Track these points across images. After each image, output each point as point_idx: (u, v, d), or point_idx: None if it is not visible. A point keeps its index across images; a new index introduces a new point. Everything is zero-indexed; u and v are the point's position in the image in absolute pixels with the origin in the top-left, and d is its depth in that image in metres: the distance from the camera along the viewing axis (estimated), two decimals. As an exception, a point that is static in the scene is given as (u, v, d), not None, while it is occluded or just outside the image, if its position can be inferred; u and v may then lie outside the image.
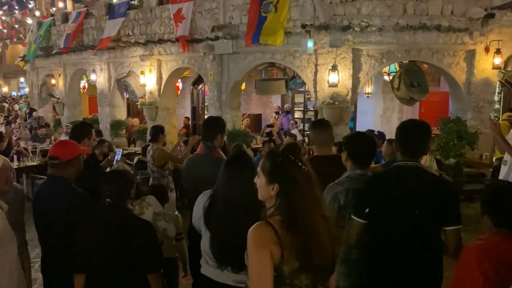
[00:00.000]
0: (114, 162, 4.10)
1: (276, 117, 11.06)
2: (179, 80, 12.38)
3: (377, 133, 6.99)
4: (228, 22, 8.82)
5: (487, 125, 8.40)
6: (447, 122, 8.28)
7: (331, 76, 7.84)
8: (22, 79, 29.45)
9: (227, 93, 9.11)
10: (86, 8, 12.95)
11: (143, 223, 2.62)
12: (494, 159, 6.66)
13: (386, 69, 9.66)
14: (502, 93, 10.17)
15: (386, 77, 10.07)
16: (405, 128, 2.54)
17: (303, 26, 7.69)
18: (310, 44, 7.50)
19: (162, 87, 10.63)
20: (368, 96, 10.72)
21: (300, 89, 12.08)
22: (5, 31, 24.18)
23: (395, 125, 11.75)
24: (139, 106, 11.43)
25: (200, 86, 13.53)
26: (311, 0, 7.80)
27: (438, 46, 7.91)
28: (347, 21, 7.70)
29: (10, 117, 17.67)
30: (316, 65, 8.08)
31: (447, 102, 11.17)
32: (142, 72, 10.60)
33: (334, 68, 7.83)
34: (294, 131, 10.17)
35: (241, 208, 2.29)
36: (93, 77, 12.16)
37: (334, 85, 7.86)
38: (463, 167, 7.34)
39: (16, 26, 22.48)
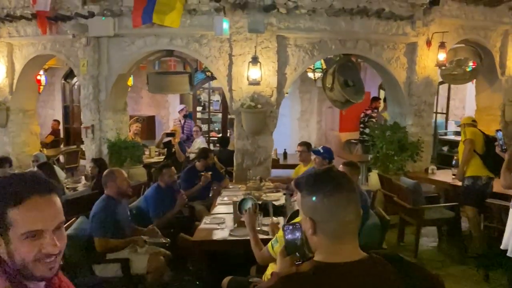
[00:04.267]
0: None
1: (184, 121, 8.64)
2: (41, 73, 9.43)
3: (322, 151, 5.07)
4: (108, -7, 6.40)
5: (428, 132, 7.27)
6: (384, 129, 6.95)
7: (252, 71, 5.93)
8: None
9: (108, 91, 6.66)
10: None
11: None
12: (464, 176, 5.33)
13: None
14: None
15: (310, 74, 8.44)
16: None
17: (217, 0, 5.64)
18: (226, 25, 5.49)
19: (15, 81, 7.73)
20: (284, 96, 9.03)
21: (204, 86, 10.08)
22: None
23: (314, 130, 10.26)
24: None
25: (74, 81, 10.79)
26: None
27: (377, 36, 6.46)
28: (270, -1, 5.84)
29: None
30: (230, 55, 6.10)
31: (368, 104, 10.03)
32: (-16, 60, 7.64)
33: (254, 60, 5.93)
34: (200, 140, 8.04)
35: None
36: None
37: (255, 83, 5.97)
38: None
39: None
